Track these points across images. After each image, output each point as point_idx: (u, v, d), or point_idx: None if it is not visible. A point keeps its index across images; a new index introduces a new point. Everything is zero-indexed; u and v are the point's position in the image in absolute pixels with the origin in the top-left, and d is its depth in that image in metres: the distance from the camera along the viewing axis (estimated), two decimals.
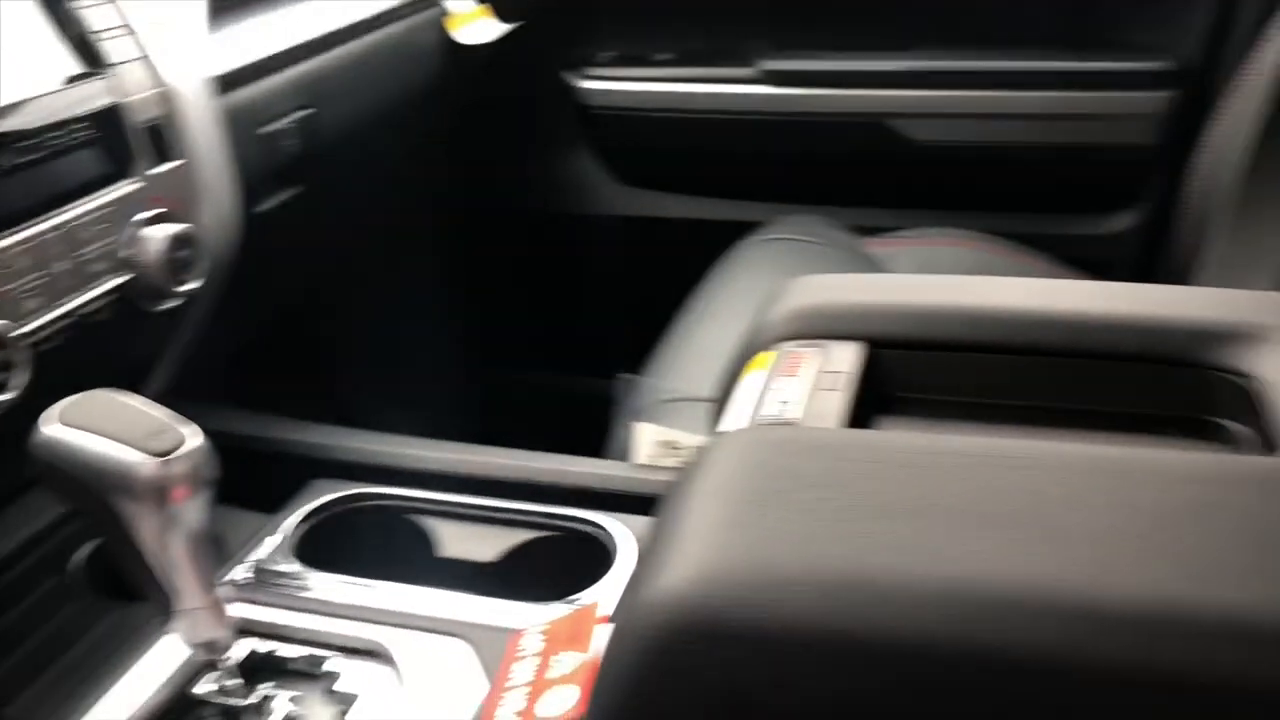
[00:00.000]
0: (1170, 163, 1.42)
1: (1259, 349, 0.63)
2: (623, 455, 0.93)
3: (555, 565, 0.81)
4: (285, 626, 0.75)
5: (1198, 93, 1.37)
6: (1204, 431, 0.63)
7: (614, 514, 0.83)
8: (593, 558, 0.81)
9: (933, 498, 0.50)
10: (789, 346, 0.69)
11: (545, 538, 0.83)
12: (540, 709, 0.59)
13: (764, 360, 0.69)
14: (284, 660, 0.73)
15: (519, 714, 0.59)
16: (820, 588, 0.46)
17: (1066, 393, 0.66)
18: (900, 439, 0.57)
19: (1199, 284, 0.85)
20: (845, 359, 0.67)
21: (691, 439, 0.90)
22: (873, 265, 1.28)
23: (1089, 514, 0.48)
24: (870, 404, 0.67)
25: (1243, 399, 0.62)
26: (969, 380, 0.68)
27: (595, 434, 1.03)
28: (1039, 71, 1.43)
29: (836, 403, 0.62)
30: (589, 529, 0.83)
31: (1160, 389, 0.65)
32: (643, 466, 0.91)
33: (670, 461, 0.91)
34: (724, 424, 0.64)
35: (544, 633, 0.65)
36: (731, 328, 0.80)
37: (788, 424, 0.60)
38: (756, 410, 0.62)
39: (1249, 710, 0.42)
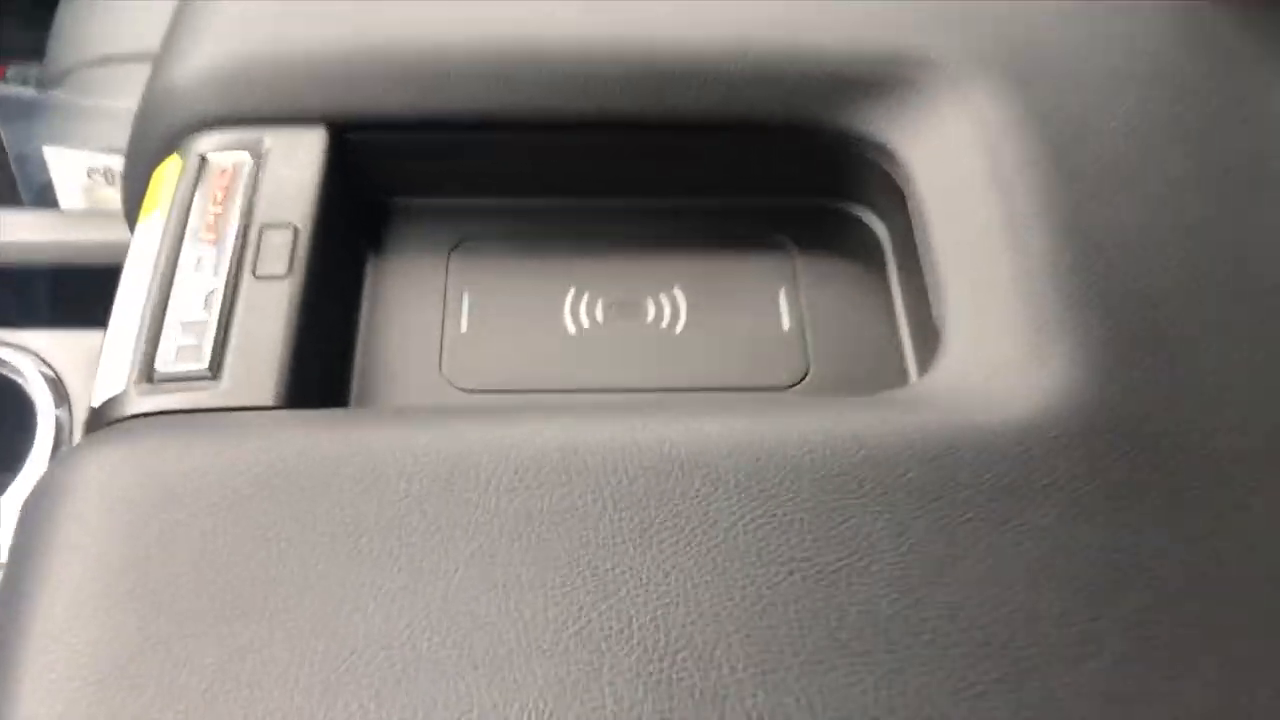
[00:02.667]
0: None
1: (900, 105, 0.43)
2: (40, 200, 0.63)
3: None
4: None
5: None
6: (830, 235, 0.44)
7: (34, 332, 0.56)
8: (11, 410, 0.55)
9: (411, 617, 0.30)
10: (211, 147, 0.42)
11: None
12: None
13: (168, 182, 0.42)
14: None
15: None
16: None
17: (642, 181, 0.45)
18: (382, 442, 0.34)
19: None
20: (297, 185, 0.40)
21: None
22: None
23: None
24: (348, 222, 0.43)
25: (880, 179, 0.43)
26: (496, 172, 0.44)
27: None
28: None
29: (278, 316, 0.37)
30: None
31: (774, 167, 0.44)
32: (77, 216, 0.62)
33: (114, 196, 0.62)
34: (101, 372, 0.38)
35: None
36: None
37: (194, 388, 0.36)
38: (147, 343, 0.37)
39: None
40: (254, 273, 0.38)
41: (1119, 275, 0.37)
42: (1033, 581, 0.31)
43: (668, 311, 0.42)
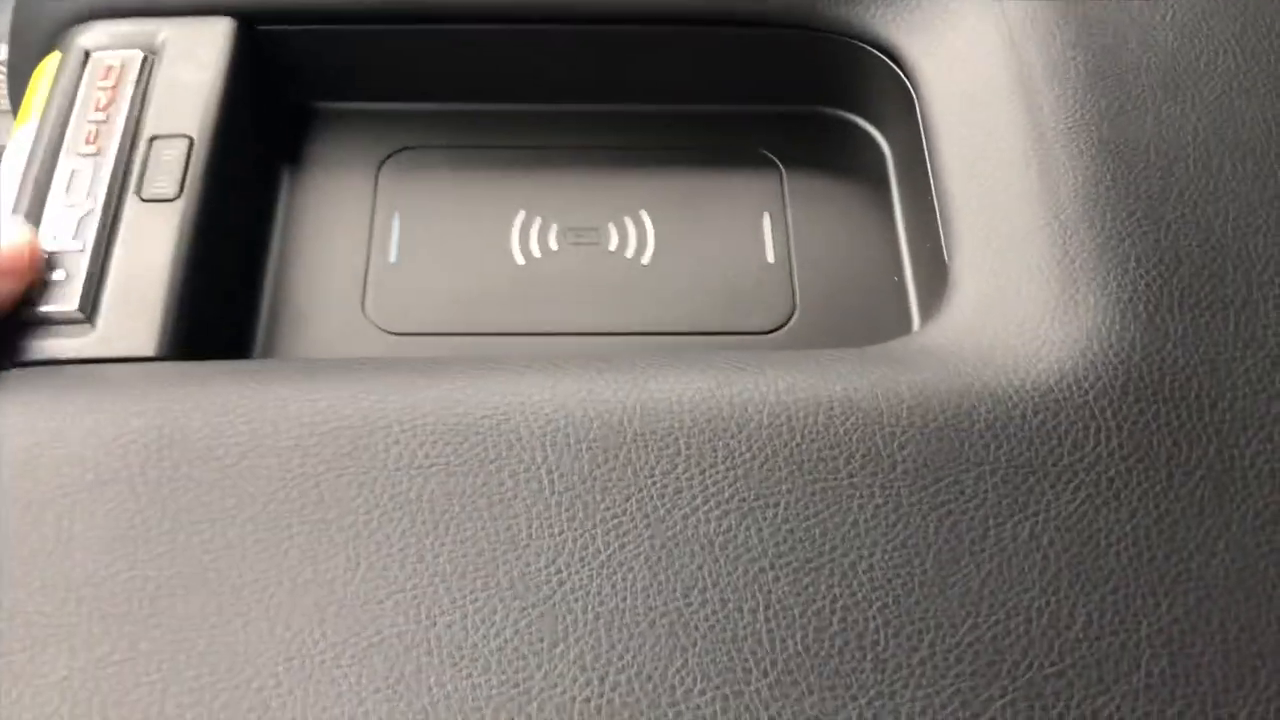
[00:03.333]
0: None
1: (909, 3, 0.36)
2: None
3: None
4: None
5: None
6: (823, 149, 0.38)
7: None
8: None
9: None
10: (96, 41, 0.35)
11: None
12: None
13: (46, 83, 0.35)
14: None
15: None
16: None
17: (605, 84, 0.38)
18: (279, 405, 0.28)
19: None
20: (195, 88, 0.34)
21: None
22: None
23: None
24: (257, 132, 0.37)
25: (884, 84, 0.37)
26: (434, 72, 0.38)
27: None
28: None
29: (165, 246, 0.31)
30: None
31: (759, 68, 0.38)
32: None
33: None
34: None
35: None
36: None
37: (63, 333, 0.30)
38: None
39: None
40: (139, 193, 0.32)
41: (1164, 204, 0.30)
42: (1053, 583, 0.26)
43: (633, 239, 0.36)
